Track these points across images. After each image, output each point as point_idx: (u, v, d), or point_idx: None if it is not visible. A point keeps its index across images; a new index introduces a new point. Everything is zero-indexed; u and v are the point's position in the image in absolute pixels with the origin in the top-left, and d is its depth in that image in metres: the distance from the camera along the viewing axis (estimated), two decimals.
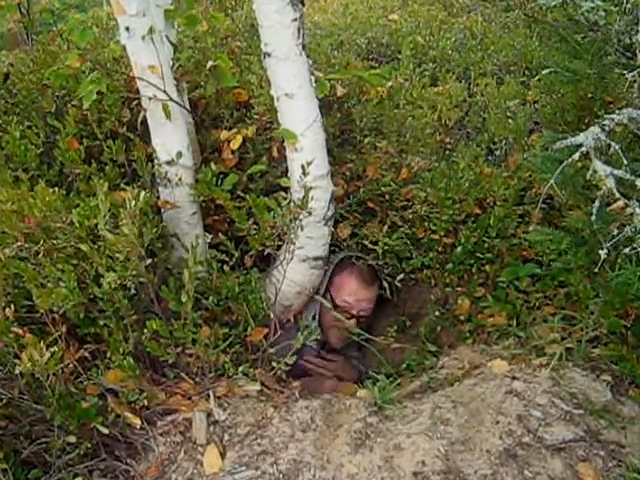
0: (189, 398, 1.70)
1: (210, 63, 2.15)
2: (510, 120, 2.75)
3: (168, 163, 2.01)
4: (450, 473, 1.43)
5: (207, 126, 2.46)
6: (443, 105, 2.85)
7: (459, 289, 2.31)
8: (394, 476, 1.45)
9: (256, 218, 1.95)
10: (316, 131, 2.02)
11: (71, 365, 1.58)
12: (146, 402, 1.62)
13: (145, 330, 1.65)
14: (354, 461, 1.50)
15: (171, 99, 1.94)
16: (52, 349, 1.46)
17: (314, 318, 2.41)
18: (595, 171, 1.48)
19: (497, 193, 2.30)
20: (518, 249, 2.24)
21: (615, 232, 1.53)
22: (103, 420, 1.54)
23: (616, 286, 1.64)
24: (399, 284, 2.33)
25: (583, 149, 1.51)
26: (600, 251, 1.50)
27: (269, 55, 1.93)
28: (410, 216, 2.37)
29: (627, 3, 2.19)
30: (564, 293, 2.01)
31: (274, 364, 1.79)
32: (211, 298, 1.85)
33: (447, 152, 2.75)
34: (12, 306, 1.54)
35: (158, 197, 2.06)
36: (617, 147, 1.49)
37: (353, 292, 2.40)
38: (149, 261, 1.70)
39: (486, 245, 2.26)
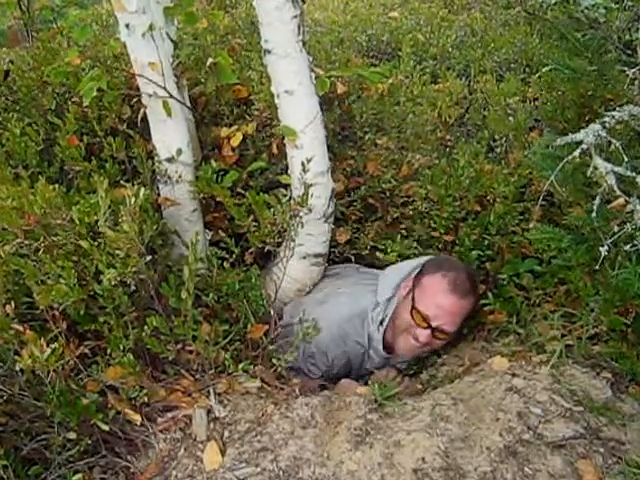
0: (189, 395, 1.70)
1: (210, 60, 2.15)
2: (510, 117, 2.75)
3: (168, 160, 2.01)
4: (450, 470, 1.43)
5: (207, 123, 2.46)
6: (443, 102, 2.85)
7: None
8: (394, 473, 1.45)
9: (256, 215, 1.95)
10: (316, 128, 2.02)
11: (71, 362, 1.57)
12: (146, 399, 1.62)
13: (145, 327, 1.65)
14: (354, 458, 1.50)
15: (171, 96, 1.93)
16: (52, 346, 1.46)
17: (381, 323, 2.12)
18: (595, 168, 1.48)
19: (497, 190, 2.30)
20: (518, 246, 2.24)
21: (615, 229, 1.53)
22: (103, 417, 1.54)
23: (616, 284, 1.64)
24: None
25: (583, 146, 1.50)
26: (600, 248, 1.50)
27: (269, 52, 1.93)
28: (410, 213, 2.37)
29: (627, 0, 2.18)
30: (564, 290, 2.01)
31: (274, 361, 1.79)
32: (211, 295, 1.85)
33: (447, 149, 2.75)
34: (12, 303, 1.54)
35: (158, 194, 2.06)
36: (618, 144, 1.49)
37: (440, 298, 2.02)
38: (149, 258, 1.70)
39: (486, 242, 2.26)
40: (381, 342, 2.11)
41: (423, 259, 2.20)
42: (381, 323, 2.11)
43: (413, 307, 2.03)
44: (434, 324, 2.01)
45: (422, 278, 2.08)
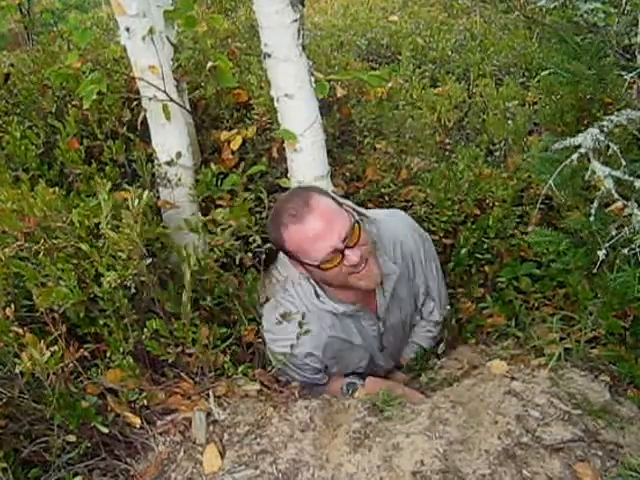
0: (189, 398, 1.70)
1: (210, 64, 2.16)
2: (509, 121, 2.76)
3: (168, 163, 2.02)
4: (449, 473, 1.43)
5: (207, 126, 2.47)
6: (443, 106, 2.86)
7: (459, 290, 2.32)
8: (393, 476, 1.45)
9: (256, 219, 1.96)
10: (316, 132, 2.03)
11: (71, 364, 1.58)
12: (146, 402, 1.62)
13: (145, 330, 1.65)
14: (353, 461, 1.50)
15: (171, 99, 1.94)
16: (52, 348, 1.46)
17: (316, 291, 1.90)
18: (594, 172, 1.48)
19: (496, 194, 2.30)
20: (517, 250, 2.25)
21: (614, 233, 1.53)
22: (103, 419, 1.54)
23: (614, 287, 1.64)
24: None
25: (581, 150, 1.51)
26: (598, 252, 1.50)
27: (269, 56, 1.94)
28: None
29: (626, 5, 2.19)
30: (563, 294, 2.01)
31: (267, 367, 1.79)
32: (209, 298, 1.86)
33: (446, 153, 2.76)
34: (12, 305, 1.55)
35: (158, 197, 2.07)
36: (616, 148, 1.49)
37: (305, 235, 1.74)
38: (149, 261, 1.70)
39: (485, 246, 2.27)
40: (335, 301, 1.91)
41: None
42: (316, 294, 1.90)
43: (319, 267, 1.77)
44: (339, 246, 1.73)
45: (291, 251, 1.81)
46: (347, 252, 1.74)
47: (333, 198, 1.83)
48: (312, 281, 1.89)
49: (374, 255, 1.86)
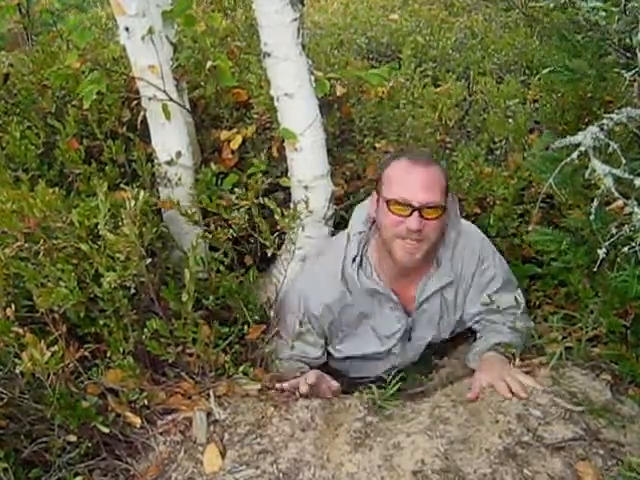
0: (189, 397, 1.70)
1: (210, 63, 2.16)
2: (510, 119, 2.76)
3: (168, 163, 2.02)
4: (449, 472, 1.43)
5: (207, 126, 2.46)
6: (443, 105, 2.85)
7: None
8: (394, 475, 1.45)
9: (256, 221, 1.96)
10: (316, 131, 2.03)
11: (71, 365, 1.57)
12: (146, 401, 1.62)
13: (145, 329, 1.65)
14: (354, 460, 1.50)
15: (171, 99, 1.94)
16: (52, 349, 1.46)
17: (354, 260, 1.93)
18: (594, 170, 1.48)
19: (497, 192, 2.30)
20: (518, 248, 2.24)
21: (614, 231, 1.53)
22: (103, 419, 1.54)
23: (615, 286, 1.64)
24: None
25: (582, 148, 1.51)
26: (599, 250, 1.50)
27: (269, 55, 1.94)
28: None
29: (628, 3, 2.18)
30: (564, 292, 2.01)
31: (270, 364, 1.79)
32: (211, 298, 1.86)
33: (447, 151, 2.75)
34: (12, 306, 1.55)
35: (158, 197, 2.07)
36: (616, 146, 1.49)
37: (406, 177, 1.81)
38: (149, 260, 1.70)
39: None
40: (363, 279, 1.93)
41: None
42: (354, 260, 1.94)
43: (388, 202, 1.81)
44: (416, 204, 1.78)
45: (382, 178, 1.89)
46: (415, 215, 1.78)
47: (446, 180, 1.89)
48: (362, 244, 1.95)
49: (429, 245, 1.86)
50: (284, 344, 1.97)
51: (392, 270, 1.93)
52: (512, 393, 1.62)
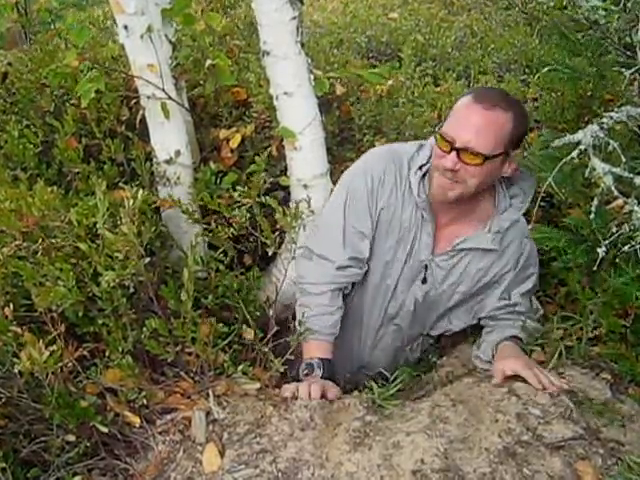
0: (188, 397, 1.69)
1: (209, 62, 2.16)
2: None
3: (167, 162, 2.01)
4: (449, 471, 1.43)
5: (206, 125, 2.46)
6: (443, 104, 2.85)
7: None
8: (393, 474, 1.44)
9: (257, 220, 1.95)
10: (315, 130, 2.02)
11: (70, 364, 1.57)
12: (145, 401, 1.62)
13: (144, 329, 1.64)
14: (353, 459, 1.49)
15: (170, 98, 1.94)
16: (51, 348, 1.45)
17: (421, 168, 1.88)
18: (594, 169, 1.48)
19: None
20: None
21: (614, 230, 1.52)
22: (102, 419, 1.54)
23: (615, 286, 1.64)
24: None
25: (581, 147, 1.50)
26: (599, 249, 1.50)
27: (268, 54, 1.93)
28: None
29: (628, 1, 2.18)
30: (564, 292, 2.01)
31: (270, 364, 1.78)
32: (210, 297, 1.85)
33: None
34: (11, 305, 1.54)
35: (157, 196, 2.06)
36: (616, 145, 1.49)
37: (462, 111, 1.74)
38: (148, 260, 1.70)
39: None
40: (417, 189, 1.87)
41: None
42: (420, 168, 1.88)
43: (440, 132, 1.77)
44: (457, 144, 1.71)
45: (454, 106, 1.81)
46: (453, 155, 1.72)
47: (516, 130, 1.74)
48: (427, 159, 1.88)
49: (465, 190, 1.80)
50: (315, 265, 1.95)
51: (435, 204, 1.88)
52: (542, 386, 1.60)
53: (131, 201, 1.61)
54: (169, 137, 2.00)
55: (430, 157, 1.87)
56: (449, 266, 1.95)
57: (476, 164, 1.72)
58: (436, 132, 1.78)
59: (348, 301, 2.07)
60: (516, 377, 1.67)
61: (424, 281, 1.98)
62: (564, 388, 1.60)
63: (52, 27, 2.86)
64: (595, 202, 1.50)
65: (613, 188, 1.42)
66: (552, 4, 3.08)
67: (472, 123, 1.71)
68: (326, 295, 1.95)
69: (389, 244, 1.96)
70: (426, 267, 1.96)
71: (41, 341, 1.46)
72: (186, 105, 2.18)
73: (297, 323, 1.91)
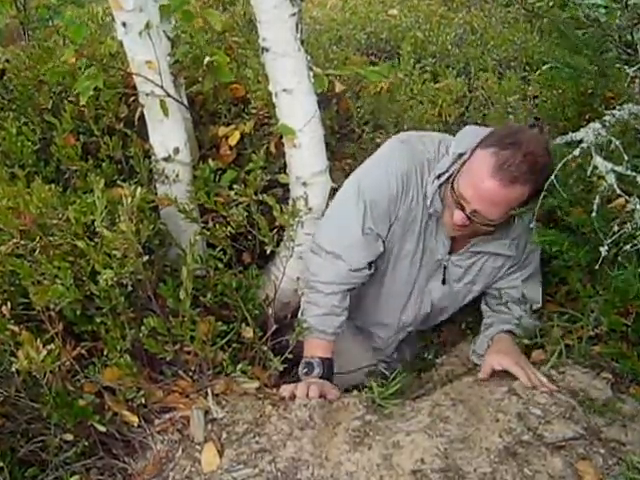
0: (187, 396, 1.69)
1: (207, 59, 2.14)
2: (510, 115, 2.74)
3: (165, 159, 2.00)
4: (449, 471, 1.42)
5: (205, 122, 2.44)
6: (443, 101, 2.84)
7: None
8: (393, 474, 1.44)
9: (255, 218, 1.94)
10: (315, 127, 2.01)
11: (68, 363, 1.57)
12: (144, 400, 1.61)
13: (142, 327, 1.64)
14: (353, 459, 1.49)
15: (168, 95, 1.93)
16: (49, 347, 1.45)
17: (439, 177, 1.83)
18: (595, 167, 1.47)
19: None
20: None
21: (616, 229, 1.51)
22: (100, 418, 1.53)
23: (616, 285, 1.63)
24: None
25: (583, 145, 1.49)
26: (600, 248, 1.49)
27: (267, 50, 1.92)
28: None
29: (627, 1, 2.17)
30: (565, 290, 2.00)
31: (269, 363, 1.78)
32: (209, 295, 1.84)
33: None
34: (8, 303, 1.54)
35: (155, 194, 2.05)
36: (618, 143, 1.48)
37: (478, 180, 1.67)
38: (146, 258, 1.69)
39: None
40: (432, 198, 1.84)
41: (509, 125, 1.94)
42: (438, 177, 1.83)
43: (452, 183, 1.76)
44: (468, 209, 1.71)
45: (477, 149, 1.72)
46: (463, 214, 1.74)
47: (531, 193, 1.70)
48: (454, 166, 1.82)
49: (473, 235, 1.86)
50: (328, 263, 1.92)
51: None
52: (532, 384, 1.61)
53: (129, 199, 1.60)
54: (168, 134, 1.99)
55: (449, 166, 1.83)
56: (466, 265, 1.97)
57: (486, 224, 1.77)
58: (452, 189, 1.75)
59: (362, 305, 2.08)
60: (506, 372, 1.69)
61: (443, 282, 2.00)
62: (553, 389, 1.61)
63: (50, 24, 2.84)
64: (597, 201, 1.49)
65: (616, 187, 1.41)
66: (552, 3, 3.07)
67: (484, 196, 1.69)
68: (337, 296, 1.93)
69: (407, 247, 1.96)
70: (445, 268, 1.98)
71: (39, 340, 1.46)
72: (185, 102, 2.17)
73: (300, 314, 1.92)
